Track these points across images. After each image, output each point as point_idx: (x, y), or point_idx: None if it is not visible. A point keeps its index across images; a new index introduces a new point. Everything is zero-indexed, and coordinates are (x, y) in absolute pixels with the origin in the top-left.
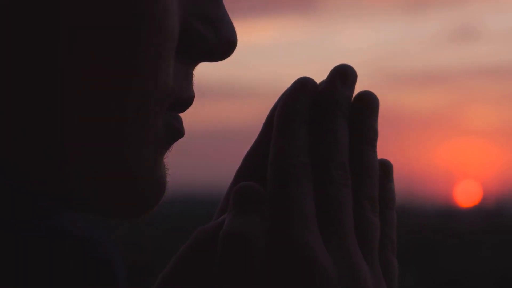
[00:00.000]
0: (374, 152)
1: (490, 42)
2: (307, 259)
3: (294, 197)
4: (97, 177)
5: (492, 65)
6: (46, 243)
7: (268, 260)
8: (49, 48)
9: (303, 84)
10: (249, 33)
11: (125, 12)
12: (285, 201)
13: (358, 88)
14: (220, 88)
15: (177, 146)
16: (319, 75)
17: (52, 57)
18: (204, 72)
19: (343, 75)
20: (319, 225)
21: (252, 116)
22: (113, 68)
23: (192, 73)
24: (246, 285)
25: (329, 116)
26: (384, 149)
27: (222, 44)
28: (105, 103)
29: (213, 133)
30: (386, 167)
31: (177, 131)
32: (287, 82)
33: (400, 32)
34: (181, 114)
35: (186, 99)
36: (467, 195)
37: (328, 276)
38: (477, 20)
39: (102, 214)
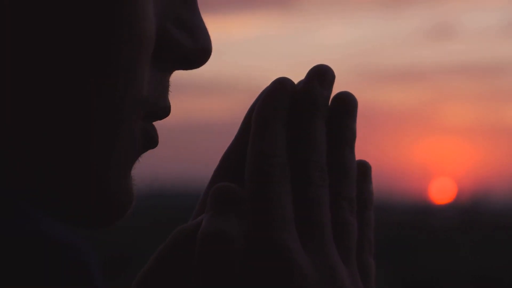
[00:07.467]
0: (352, 152)
1: (466, 40)
2: (285, 260)
3: (272, 197)
4: (65, 186)
5: (468, 64)
6: (26, 246)
7: (246, 261)
8: (20, 51)
9: (281, 84)
10: (229, 28)
11: (100, 17)
12: (263, 202)
13: (336, 84)
14: (200, 83)
15: (159, 141)
16: (298, 70)
17: (23, 62)
18: None
19: (321, 75)
20: (297, 226)
21: (232, 111)
22: (84, 74)
23: (168, 82)
24: (224, 286)
25: (306, 117)
26: (360, 146)
27: (198, 53)
28: (74, 110)
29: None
30: (364, 168)
31: (152, 140)
32: (267, 77)
33: (378, 29)
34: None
35: (162, 109)
36: (442, 192)
37: (305, 278)
38: (454, 18)
39: (70, 222)
